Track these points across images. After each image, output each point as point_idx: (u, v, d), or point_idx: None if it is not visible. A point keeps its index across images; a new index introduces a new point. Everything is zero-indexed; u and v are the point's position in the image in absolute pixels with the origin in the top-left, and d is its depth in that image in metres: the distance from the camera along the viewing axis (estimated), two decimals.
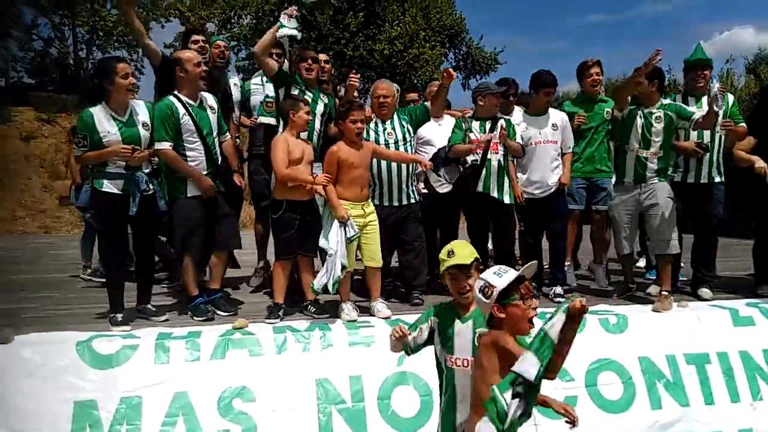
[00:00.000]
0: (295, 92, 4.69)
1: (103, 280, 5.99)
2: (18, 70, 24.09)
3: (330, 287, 4.12)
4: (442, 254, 2.54)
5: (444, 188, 4.95)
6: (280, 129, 4.78)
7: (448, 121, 5.16)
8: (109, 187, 4.02)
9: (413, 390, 3.79)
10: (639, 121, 4.86)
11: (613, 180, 5.25)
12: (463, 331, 2.51)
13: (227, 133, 4.66)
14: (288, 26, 4.51)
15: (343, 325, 4.01)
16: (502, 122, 4.75)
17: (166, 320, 4.23)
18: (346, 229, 4.11)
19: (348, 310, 4.24)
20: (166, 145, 4.18)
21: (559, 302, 4.71)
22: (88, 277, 6.06)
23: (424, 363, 3.80)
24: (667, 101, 4.94)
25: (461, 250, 2.52)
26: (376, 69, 22.04)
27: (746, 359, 4.22)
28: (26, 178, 15.25)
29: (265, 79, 5.32)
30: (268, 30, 4.65)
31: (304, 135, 4.55)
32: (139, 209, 4.01)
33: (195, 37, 5.17)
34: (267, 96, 5.30)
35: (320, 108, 4.83)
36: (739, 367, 4.19)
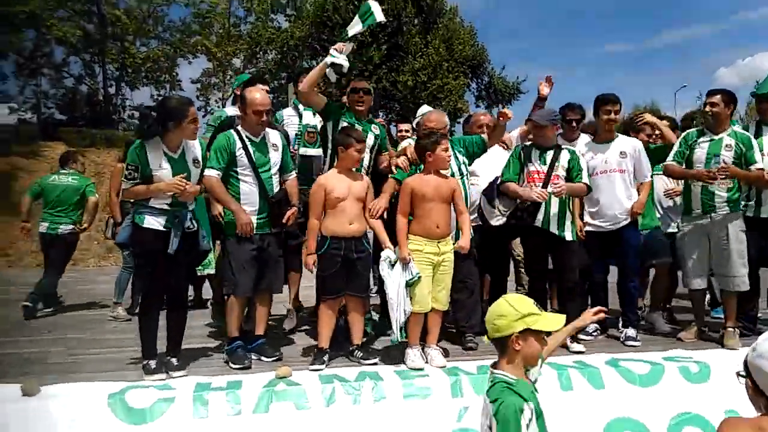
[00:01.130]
0: (345, 124, 4.46)
1: (130, 318, 5.84)
2: (49, 106, 24.55)
3: (398, 336, 3.85)
4: (529, 308, 2.15)
5: (498, 221, 4.62)
6: (327, 160, 4.57)
7: (493, 151, 4.84)
8: (151, 223, 3.76)
9: None
10: (705, 148, 4.51)
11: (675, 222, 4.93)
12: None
13: (293, 172, 4.39)
14: (337, 58, 4.33)
15: (396, 375, 3.66)
16: (563, 167, 4.44)
17: (186, 375, 3.81)
18: (405, 271, 3.80)
19: (414, 356, 3.87)
20: (213, 173, 3.97)
21: (632, 346, 4.40)
22: (120, 316, 5.81)
23: None
24: (738, 128, 4.56)
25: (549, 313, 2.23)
26: (399, 101, 22.05)
27: None
28: None
29: (301, 107, 5.08)
30: (316, 67, 4.43)
31: None
32: (179, 247, 3.73)
33: (260, 87, 4.60)
34: (308, 126, 5.05)
35: (370, 141, 4.54)
36: None
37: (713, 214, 4.49)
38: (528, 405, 2.06)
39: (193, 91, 27.73)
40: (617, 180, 4.63)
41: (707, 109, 4.55)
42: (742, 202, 4.60)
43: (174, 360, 3.87)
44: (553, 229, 4.37)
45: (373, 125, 4.70)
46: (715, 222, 4.49)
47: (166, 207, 3.77)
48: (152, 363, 3.75)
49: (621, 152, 4.64)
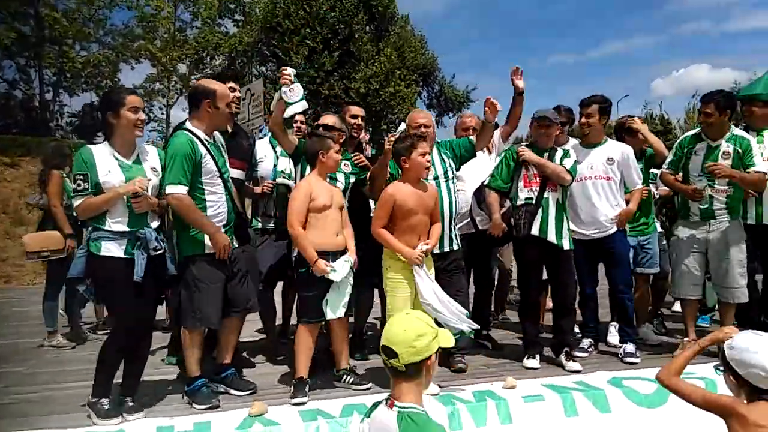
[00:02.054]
0: None
1: (74, 345, 5.24)
2: None
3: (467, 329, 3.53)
4: (433, 331, 1.85)
5: (485, 224, 4.34)
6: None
7: (479, 155, 4.54)
8: (108, 250, 3.20)
9: None
10: (701, 155, 4.34)
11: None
12: None
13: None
14: (292, 101, 3.91)
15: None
16: (565, 158, 4.21)
17: (143, 416, 3.30)
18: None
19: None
20: (182, 189, 3.36)
21: (632, 363, 4.15)
22: (62, 344, 5.21)
23: None
24: (738, 132, 4.37)
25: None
26: (359, 103, 21.79)
27: None
28: None
29: (278, 149, 4.67)
30: (276, 105, 4.02)
31: None
32: (145, 274, 3.19)
33: (230, 85, 4.23)
34: (282, 172, 4.70)
35: (341, 185, 4.14)
36: None
37: (712, 221, 4.31)
38: None
39: None
40: (603, 188, 4.41)
41: (701, 119, 4.39)
42: (741, 209, 4.45)
43: (129, 400, 3.33)
44: (551, 237, 4.10)
45: (344, 163, 4.21)
46: (713, 229, 4.32)
47: (125, 228, 3.23)
48: (105, 403, 3.21)
49: (608, 158, 4.42)
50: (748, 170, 4.20)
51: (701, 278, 4.42)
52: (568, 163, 4.15)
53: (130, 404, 3.31)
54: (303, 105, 3.96)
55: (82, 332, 5.55)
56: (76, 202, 3.21)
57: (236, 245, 3.65)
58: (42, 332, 5.39)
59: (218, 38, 23.90)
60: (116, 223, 3.22)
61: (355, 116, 4.68)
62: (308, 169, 3.96)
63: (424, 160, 3.57)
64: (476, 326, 3.61)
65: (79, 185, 3.18)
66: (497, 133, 4.80)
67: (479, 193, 4.38)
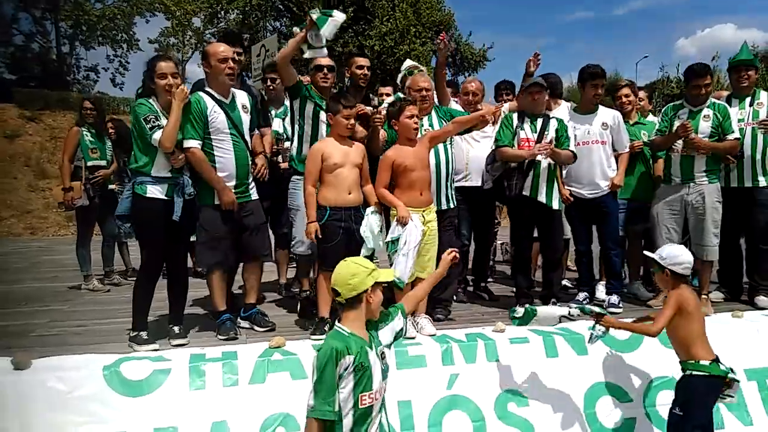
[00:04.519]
0: (311, 106, 4.39)
1: (108, 288, 5.76)
2: None
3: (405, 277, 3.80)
4: (370, 264, 2.42)
5: (487, 185, 4.72)
6: (295, 139, 4.50)
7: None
8: (153, 192, 3.69)
9: (465, 416, 3.52)
10: (684, 119, 4.67)
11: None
12: (373, 358, 2.37)
13: (256, 132, 4.33)
14: (316, 45, 4.19)
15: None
16: (552, 135, 4.51)
17: (187, 343, 3.84)
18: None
19: (425, 324, 3.95)
20: (194, 144, 3.80)
21: (614, 312, 4.55)
22: (98, 288, 5.72)
23: (475, 386, 3.60)
24: (716, 100, 4.75)
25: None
26: (365, 54, 21.74)
27: None
28: (11, 177, 14.69)
29: (273, 112, 5.09)
30: (292, 39, 4.24)
31: None
32: (181, 215, 3.69)
33: (359, 62, 4.80)
34: (276, 132, 5.11)
35: None
36: None
37: (692, 183, 4.70)
38: (349, 356, 2.25)
39: (152, 52, 26.81)
40: (599, 151, 4.74)
41: (702, 92, 4.68)
42: (721, 170, 4.82)
43: (176, 328, 3.88)
44: (542, 198, 4.46)
45: None
46: (693, 191, 4.69)
47: (167, 175, 3.72)
48: (143, 334, 3.73)
49: (603, 123, 4.75)
50: (726, 136, 4.59)
51: (679, 238, 4.79)
52: (568, 135, 4.55)
53: (177, 332, 3.86)
54: (323, 52, 4.27)
55: (116, 277, 6.06)
56: (156, 136, 3.62)
57: (254, 198, 4.10)
58: (77, 277, 5.92)
59: None
60: (161, 170, 3.71)
61: (360, 66, 4.85)
62: (308, 105, 4.35)
63: (412, 122, 3.93)
64: (404, 281, 3.76)
65: (153, 125, 3.63)
66: (506, 106, 5.12)
67: (489, 157, 4.74)
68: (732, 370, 3.12)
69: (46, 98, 18.03)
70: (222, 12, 25.04)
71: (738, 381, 3.15)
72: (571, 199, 4.74)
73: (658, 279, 3.28)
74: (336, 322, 2.40)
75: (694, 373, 3.08)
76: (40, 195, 14.58)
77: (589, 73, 4.74)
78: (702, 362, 3.07)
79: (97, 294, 5.60)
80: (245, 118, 4.09)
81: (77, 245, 5.84)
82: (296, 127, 4.50)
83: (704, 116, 4.68)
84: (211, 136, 3.90)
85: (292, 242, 4.57)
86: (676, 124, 4.68)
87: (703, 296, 4.67)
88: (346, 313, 2.38)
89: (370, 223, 3.87)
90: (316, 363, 2.25)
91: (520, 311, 3.49)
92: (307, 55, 4.30)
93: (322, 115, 4.34)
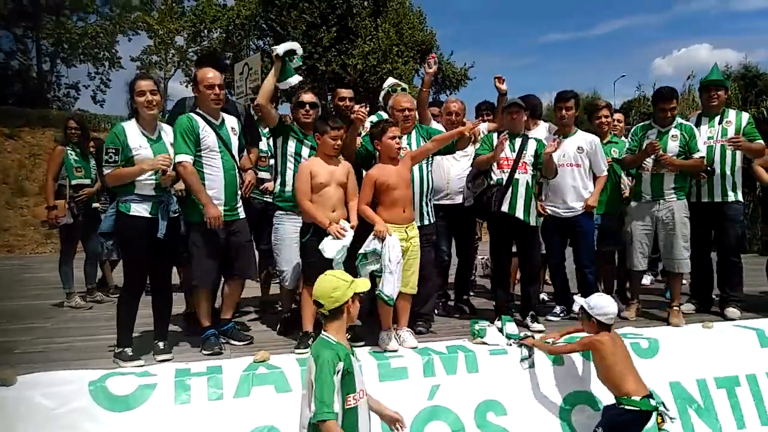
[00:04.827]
0: (293, 144, 4.50)
1: (91, 305, 5.77)
2: None
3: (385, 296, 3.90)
4: (348, 276, 2.67)
5: (468, 202, 4.86)
6: (279, 177, 4.60)
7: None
8: (137, 210, 3.77)
9: (445, 426, 3.62)
10: (653, 139, 4.88)
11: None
12: (355, 362, 2.61)
13: (245, 151, 4.48)
14: (292, 65, 4.41)
15: (372, 357, 3.81)
16: (540, 149, 4.70)
17: (171, 358, 3.89)
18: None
19: (387, 338, 4.01)
20: (186, 158, 3.90)
21: (552, 321, 4.77)
22: (80, 305, 5.72)
23: (456, 396, 3.70)
24: (683, 121, 5.00)
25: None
26: (349, 85, 22.00)
27: None
28: None
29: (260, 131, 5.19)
30: (268, 75, 4.41)
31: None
32: (165, 233, 3.76)
33: (342, 93, 5.08)
34: (261, 151, 5.21)
35: None
36: (767, 389, 4.16)
37: (662, 200, 4.91)
38: (341, 363, 2.47)
39: (134, 70, 26.82)
40: (573, 173, 4.92)
41: (668, 114, 4.93)
42: (687, 188, 5.01)
43: (161, 344, 3.93)
44: (519, 215, 4.60)
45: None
46: (663, 208, 4.90)
47: (151, 193, 3.80)
48: (128, 350, 3.77)
49: (578, 147, 4.94)
50: (692, 155, 4.82)
51: (648, 253, 5.02)
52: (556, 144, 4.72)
53: (161, 347, 3.91)
54: (297, 78, 4.42)
55: (98, 294, 6.07)
56: (107, 171, 3.73)
57: (241, 216, 4.21)
58: (60, 294, 5.92)
59: (216, 11, 23.92)
60: (145, 188, 3.78)
61: (342, 98, 5.03)
62: (290, 143, 4.47)
63: (394, 143, 4.07)
64: (392, 298, 3.92)
65: (110, 157, 3.70)
66: (484, 126, 5.28)
67: (469, 174, 4.89)
68: (664, 404, 3.41)
69: (27, 116, 17.93)
70: (205, 31, 25.19)
71: (671, 417, 3.45)
72: (547, 211, 4.94)
73: (584, 324, 3.71)
74: (322, 332, 2.59)
75: (626, 406, 3.34)
76: (18, 212, 14.44)
77: (556, 96, 5.02)
78: (633, 398, 3.33)
79: (79, 311, 5.60)
80: (234, 140, 4.22)
81: (60, 263, 5.85)
82: (279, 164, 4.60)
83: (672, 136, 4.91)
84: (202, 154, 4.02)
85: (280, 276, 4.64)
86: (645, 143, 4.88)
87: (675, 307, 4.85)
88: (329, 323, 2.59)
89: (323, 247, 3.91)
90: (315, 371, 2.44)
91: (476, 328, 4.08)
92: (281, 85, 4.44)
93: (305, 152, 4.47)
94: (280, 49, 4.37)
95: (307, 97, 4.62)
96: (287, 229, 4.45)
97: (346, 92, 5.15)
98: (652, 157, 4.81)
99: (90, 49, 25.41)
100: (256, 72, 7.83)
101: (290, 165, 4.49)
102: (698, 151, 4.86)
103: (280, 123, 4.52)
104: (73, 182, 5.79)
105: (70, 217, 5.73)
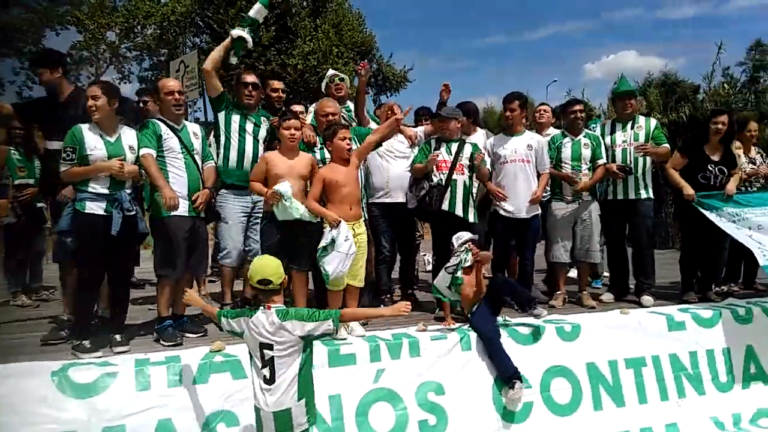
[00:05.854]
0: (237, 117, 4.78)
1: (37, 304, 5.78)
2: None
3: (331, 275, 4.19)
4: (280, 263, 3.09)
5: (411, 204, 5.22)
6: (221, 151, 4.80)
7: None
8: (92, 208, 3.94)
9: (389, 406, 3.96)
10: (569, 147, 5.57)
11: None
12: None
13: (211, 161, 4.68)
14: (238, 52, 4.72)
15: (322, 344, 4.07)
16: (475, 152, 5.18)
17: (129, 350, 4.04)
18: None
19: (356, 326, 4.34)
20: (149, 151, 4.19)
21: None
22: (27, 303, 5.73)
23: (399, 379, 4.03)
24: (590, 131, 5.75)
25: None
26: (289, 84, 22.00)
27: (674, 361, 4.73)
28: None
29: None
30: (218, 46, 4.71)
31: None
32: (120, 230, 3.92)
33: (274, 85, 5.42)
34: None
35: (262, 133, 4.94)
36: (668, 369, 4.70)
37: (579, 200, 5.55)
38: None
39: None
40: (524, 169, 5.37)
41: (578, 116, 5.60)
42: (599, 189, 5.76)
43: (118, 337, 4.08)
44: (459, 212, 5.04)
45: (263, 117, 5.00)
46: (581, 207, 5.54)
47: (105, 191, 3.97)
48: (86, 343, 3.91)
49: (528, 145, 5.42)
50: (596, 161, 5.54)
51: (569, 246, 5.59)
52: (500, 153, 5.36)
53: (119, 339, 4.06)
54: (249, 39, 4.71)
55: (44, 293, 6.08)
56: (63, 168, 3.93)
57: (195, 215, 4.42)
58: (4, 294, 5.91)
59: (149, 6, 23.27)
60: (99, 188, 3.96)
61: (275, 90, 5.37)
62: (235, 117, 4.75)
63: (344, 143, 4.40)
64: (330, 273, 4.20)
65: (67, 156, 3.91)
66: (421, 129, 5.68)
67: (409, 181, 5.29)
68: None
69: None
70: (138, 27, 24.51)
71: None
72: (501, 213, 5.38)
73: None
74: (266, 306, 3.02)
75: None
76: None
77: (503, 99, 5.53)
78: None
79: (26, 309, 5.62)
80: (196, 143, 4.49)
81: (4, 262, 5.83)
82: (222, 139, 4.79)
83: (584, 144, 5.57)
84: (165, 155, 4.27)
85: (220, 254, 4.87)
86: (564, 151, 5.57)
87: (584, 292, 5.58)
88: (272, 297, 3.03)
89: (280, 189, 4.16)
90: (295, 316, 2.98)
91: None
92: (233, 59, 4.75)
93: (249, 127, 4.74)
94: (236, 31, 4.66)
95: (250, 78, 4.87)
96: (232, 208, 4.74)
97: (277, 84, 5.47)
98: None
99: (14, 42, 24.24)
100: (192, 70, 7.78)
101: (234, 140, 4.74)
102: (601, 158, 5.55)
103: (223, 95, 4.76)
104: (16, 182, 5.79)
105: (13, 217, 5.74)
